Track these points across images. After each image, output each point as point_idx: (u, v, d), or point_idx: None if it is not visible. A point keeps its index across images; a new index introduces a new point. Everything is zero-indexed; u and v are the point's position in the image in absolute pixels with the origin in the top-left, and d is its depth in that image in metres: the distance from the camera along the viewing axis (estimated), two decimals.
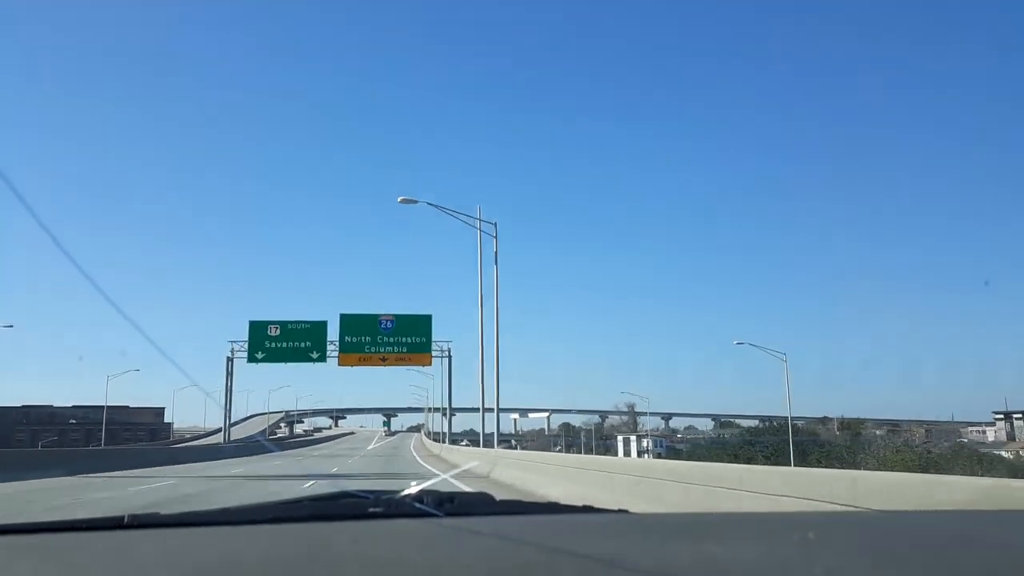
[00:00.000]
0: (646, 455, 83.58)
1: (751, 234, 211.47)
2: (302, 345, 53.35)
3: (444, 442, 60.25)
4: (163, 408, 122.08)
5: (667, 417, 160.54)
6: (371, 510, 1.87)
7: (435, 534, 1.67)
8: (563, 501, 2.35)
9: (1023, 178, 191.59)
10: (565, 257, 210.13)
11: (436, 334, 55.48)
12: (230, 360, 57.16)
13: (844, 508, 5.11)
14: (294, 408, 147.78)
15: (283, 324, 53.87)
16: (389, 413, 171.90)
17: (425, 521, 1.80)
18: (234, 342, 56.37)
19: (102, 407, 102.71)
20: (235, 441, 75.41)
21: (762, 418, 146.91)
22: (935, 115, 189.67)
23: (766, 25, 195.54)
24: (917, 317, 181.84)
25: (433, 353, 55.37)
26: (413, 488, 1.97)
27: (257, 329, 54.03)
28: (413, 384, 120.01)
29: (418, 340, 53.77)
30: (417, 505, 1.87)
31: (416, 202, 31.53)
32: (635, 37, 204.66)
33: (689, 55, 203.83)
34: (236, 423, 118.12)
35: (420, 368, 59.84)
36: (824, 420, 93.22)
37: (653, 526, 1.93)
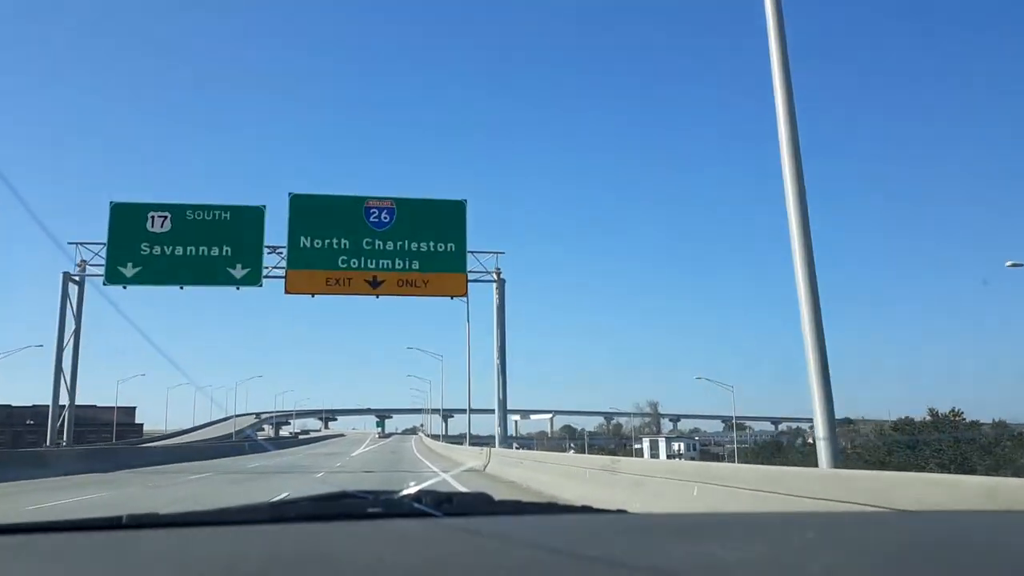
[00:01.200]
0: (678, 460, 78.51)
1: (753, 230, 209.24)
2: (214, 252, 27.93)
3: (482, 444, 36.21)
4: (134, 407, 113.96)
5: (675, 419, 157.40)
6: (370, 510, 1.87)
7: (434, 534, 1.67)
8: None
9: None
10: (566, 255, 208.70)
11: (474, 240, 29.82)
12: (73, 281, 29.64)
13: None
14: (271, 409, 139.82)
15: (177, 211, 28.27)
16: (383, 414, 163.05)
17: (424, 521, 1.80)
18: (80, 246, 29.08)
19: (64, 407, 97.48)
20: (185, 444, 64.14)
21: (775, 419, 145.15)
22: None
23: None
24: (919, 312, 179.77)
25: (470, 275, 29.61)
26: (412, 488, 1.98)
27: (125, 219, 28.12)
28: (411, 375, 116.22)
29: (442, 248, 28.69)
30: (416, 505, 1.87)
31: None
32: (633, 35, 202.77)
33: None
34: (201, 426, 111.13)
35: (443, 307, 42.14)
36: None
37: (652, 526, 1.93)
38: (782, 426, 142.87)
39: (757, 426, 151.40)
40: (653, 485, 10.44)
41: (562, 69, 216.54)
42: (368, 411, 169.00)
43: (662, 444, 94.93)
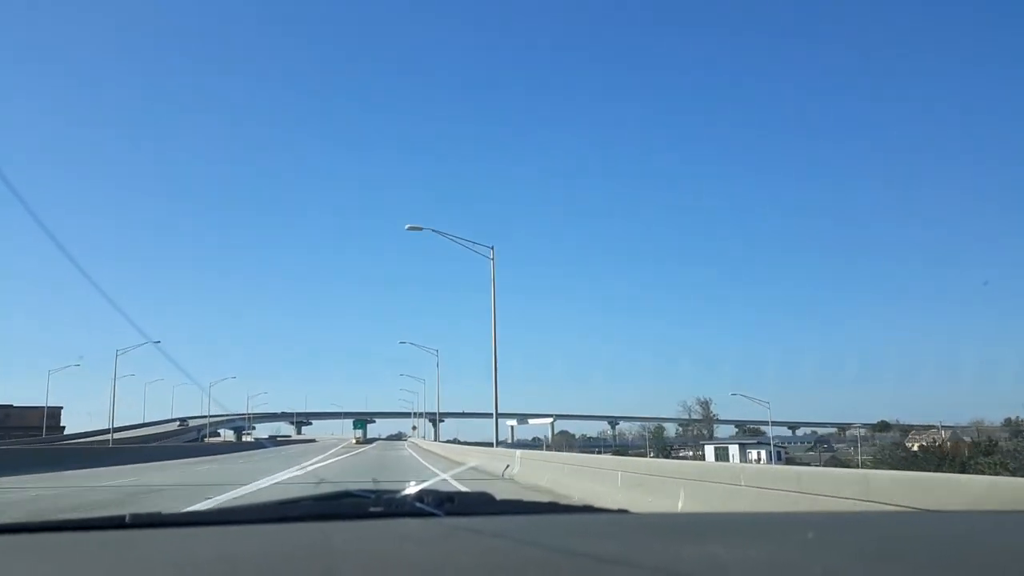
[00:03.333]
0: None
1: (757, 220, 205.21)
2: None
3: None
4: (60, 408, 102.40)
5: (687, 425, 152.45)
6: (372, 509, 1.87)
7: (436, 533, 1.68)
8: None
9: None
10: (559, 250, 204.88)
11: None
12: None
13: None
14: (236, 412, 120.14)
15: None
16: (364, 418, 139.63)
17: (426, 520, 1.80)
18: None
19: None
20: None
21: (791, 424, 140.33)
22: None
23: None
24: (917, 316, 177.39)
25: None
26: (413, 488, 1.99)
27: None
28: (404, 388, 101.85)
29: None
30: (418, 504, 1.87)
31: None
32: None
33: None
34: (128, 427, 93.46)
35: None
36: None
37: (654, 526, 1.94)
38: (800, 431, 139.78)
39: (772, 431, 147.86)
40: None
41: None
42: (348, 415, 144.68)
43: (733, 450, 76.53)
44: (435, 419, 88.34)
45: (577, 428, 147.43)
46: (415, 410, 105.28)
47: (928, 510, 4.23)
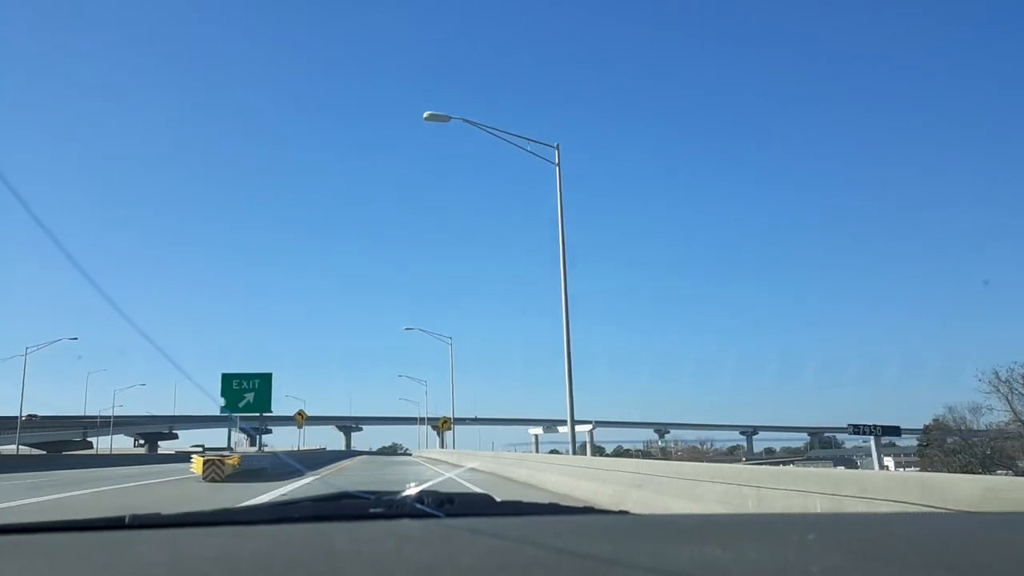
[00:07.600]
0: None
1: (758, 224, 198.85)
2: None
3: None
4: None
5: (750, 432, 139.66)
6: (372, 510, 1.88)
7: (436, 534, 1.68)
8: None
9: None
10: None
11: None
12: None
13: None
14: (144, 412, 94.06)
15: None
16: (346, 424, 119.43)
17: (426, 521, 1.80)
18: None
19: None
20: None
21: (812, 430, 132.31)
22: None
23: None
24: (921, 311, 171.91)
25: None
26: (414, 488, 1.99)
27: None
28: (403, 398, 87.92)
29: None
30: (418, 506, 1.87)
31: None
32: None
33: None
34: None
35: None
36: None
37: (654, 527, 1.93)
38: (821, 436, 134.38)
39: (784, 436, 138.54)
40: None
41: None
42: (329, 419, 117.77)
43: None
44: (439, 428, 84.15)
45: (615, 437, 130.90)
46: (421, 415, 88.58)
47: (925, 512, 4.18)
